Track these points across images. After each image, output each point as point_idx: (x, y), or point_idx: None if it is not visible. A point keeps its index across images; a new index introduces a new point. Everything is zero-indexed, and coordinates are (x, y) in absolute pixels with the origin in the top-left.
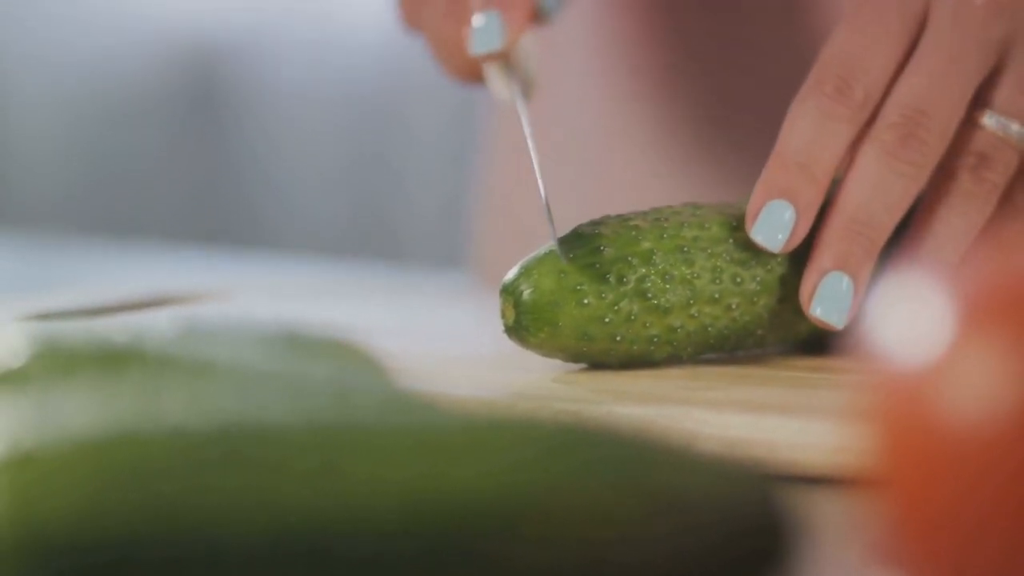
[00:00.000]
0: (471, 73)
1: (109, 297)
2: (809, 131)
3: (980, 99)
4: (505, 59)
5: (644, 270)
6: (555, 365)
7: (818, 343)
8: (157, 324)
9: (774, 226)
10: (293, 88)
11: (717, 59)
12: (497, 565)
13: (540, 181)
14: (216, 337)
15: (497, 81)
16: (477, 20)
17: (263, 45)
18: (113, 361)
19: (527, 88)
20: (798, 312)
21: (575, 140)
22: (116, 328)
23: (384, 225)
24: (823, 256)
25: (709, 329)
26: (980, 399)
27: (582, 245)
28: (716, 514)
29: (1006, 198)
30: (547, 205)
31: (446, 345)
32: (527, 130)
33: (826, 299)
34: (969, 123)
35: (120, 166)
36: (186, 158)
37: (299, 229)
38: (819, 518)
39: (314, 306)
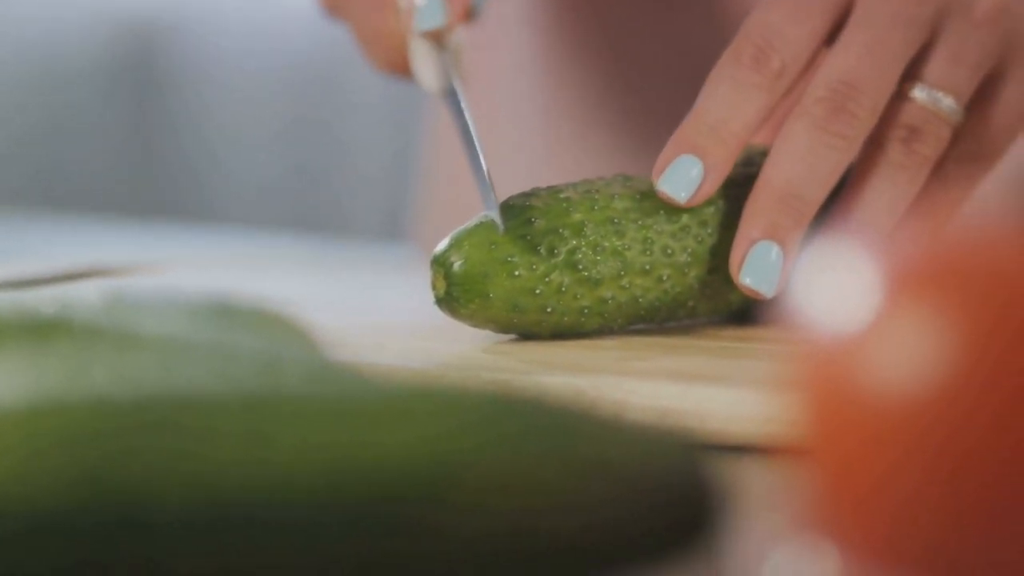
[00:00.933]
0: (398, 64)
1: (39, 269)
2: (723, 98)
3: (912, 72)
4: (440, 40)
5: (575, 242)
6: (485, 336)
7: (748, 313)
8: (85, 296)
9: (680, 179)
10: (232, 58)
11: (639, 44)
12: (426, 533)
13: (480, 152)
14: (144, 308)
15: (427, 68)
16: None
17: (201, 14)
18: (41, 332)
19: (459, 70)
20: (729, 283)
21: (511, 123)
22: (44, 299)
23: (326, 198)
24: (752, 226)
25: (640, 300)
26: (909, 369)
27: (513, 216)
28: (645, 483)
29: (938, 171)
30: (487, 174)
31: (379, 317)
32: (463, 103)
33: (756, 268)
34: (900, 96)
35: (54, 138)
36: (122, 129)
37: (239, 201)
38: (749, 488)
39: (250, 279)
